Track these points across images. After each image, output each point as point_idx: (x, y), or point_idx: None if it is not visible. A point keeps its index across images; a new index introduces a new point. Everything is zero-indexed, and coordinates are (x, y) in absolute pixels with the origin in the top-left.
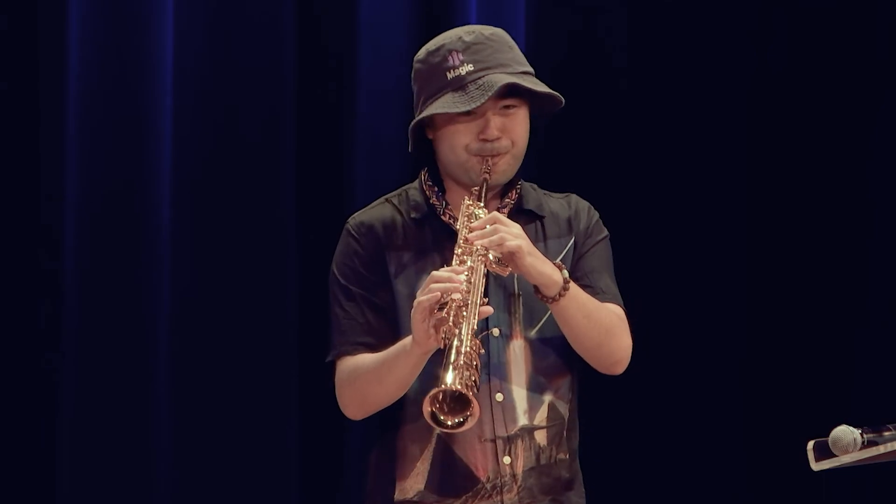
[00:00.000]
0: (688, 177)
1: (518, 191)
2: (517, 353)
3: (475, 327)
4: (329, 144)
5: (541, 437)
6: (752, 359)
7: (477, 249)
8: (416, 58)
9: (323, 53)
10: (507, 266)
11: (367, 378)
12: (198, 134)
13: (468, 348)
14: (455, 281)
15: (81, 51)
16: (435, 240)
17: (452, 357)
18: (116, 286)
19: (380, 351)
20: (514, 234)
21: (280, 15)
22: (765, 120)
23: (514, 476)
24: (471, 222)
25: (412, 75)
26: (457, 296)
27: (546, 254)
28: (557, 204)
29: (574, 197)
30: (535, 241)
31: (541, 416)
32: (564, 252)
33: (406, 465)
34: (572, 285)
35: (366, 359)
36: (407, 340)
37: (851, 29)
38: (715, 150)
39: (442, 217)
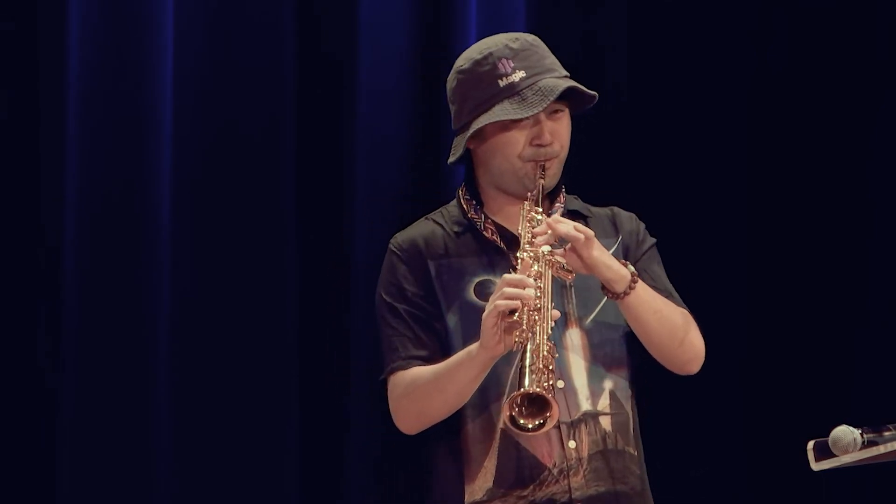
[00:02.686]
0: (688, 177)
1: (564, 197)
2: (574, 342)
3: (549, 332)
4: (329, 144)
5: (605, 422)
6: (752, 359)
7: (543, 254)
8: (458, 68)
9: (323, 53)
10: (571, 271)
11: (426, 389)
12: (198, 134)
13: (544, 352)
14: (528, 285)
15: (81, 51)
16: (479, 251)
17: (529, 360)
18: (116, 286)
19: (429, 362)
20: (579, 228)
21: (280, 15)
22: (765, 120)
23: (579, 460)
24: (532, 227)
25: (452, 86)
26: (528, 300)
27: None
28: (599, 210)
29: (616, 208)
30: None
31: (603, 403)
32: (612, 251)
33: (473, 466)
34: (640, 281)
35: (423, 370)
36: (471, 347)
37: (851, 29)
38: (715, 150)
39: (484, 233)
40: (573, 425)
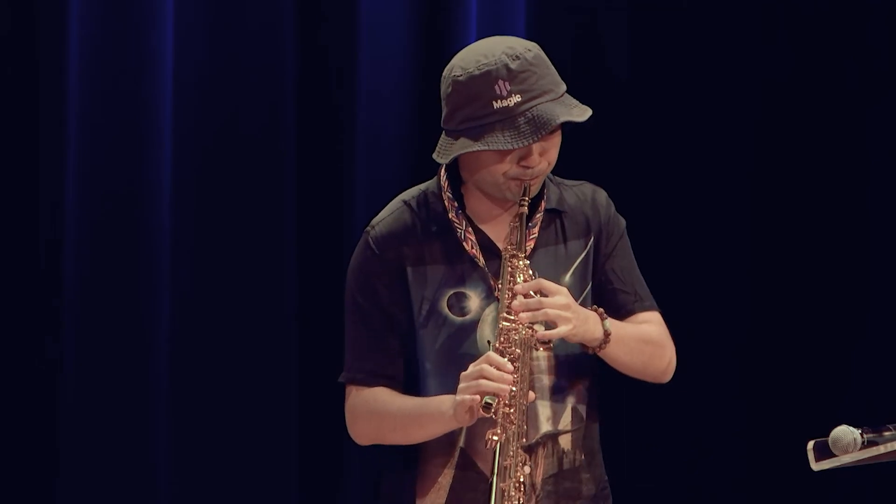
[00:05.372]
0: (689, 177)
1: (544, 202)
2: (540, 361)
3: (523, 434)
4: (329, 144)
5: (565, 441)
6: (753, 359)
7: (522, 333)
8: (453, 75)
9: (323, 53)
10: (549, 343)
11: (390, 424)
12: (198, 134)
13: (517, 467)
14: (506, 381)
15: (81, 51)
16: (456, 260)
17: (496, 480)
18: (116, 288)
19: (395, 382)
20: (559, 307)
21: (280, 15)
22: (765, 122)
23: (533, 486)
24: (514, 282)
25: (445, 90)
26: (504, 396)
27: (566, 256)
28: (573, 196)
29: (588, 187)
30: (555, 244)
31: (565, 421)
32: (584, 254)
33: (427, 481)
34: (613, 331)
35: (388, 401)
36: (444, 405)
37: (851, 29)
38: (717, 153)
39: (464, 244)
40: (530, 449)
